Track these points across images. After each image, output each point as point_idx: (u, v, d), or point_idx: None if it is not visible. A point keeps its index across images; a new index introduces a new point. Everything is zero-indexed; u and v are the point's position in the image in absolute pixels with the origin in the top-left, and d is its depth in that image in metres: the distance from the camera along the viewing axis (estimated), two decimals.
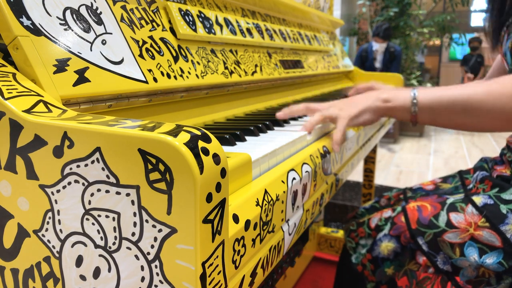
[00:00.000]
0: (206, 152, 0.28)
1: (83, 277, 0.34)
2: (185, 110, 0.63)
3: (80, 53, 0.44)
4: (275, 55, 0.94)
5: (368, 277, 0.78)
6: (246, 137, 0.57)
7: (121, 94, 0.48)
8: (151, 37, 0.56)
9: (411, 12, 5.06)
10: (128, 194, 0.30)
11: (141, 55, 0.53)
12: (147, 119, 0.37)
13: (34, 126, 0.33)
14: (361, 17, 5.68)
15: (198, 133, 0.30)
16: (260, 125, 0.61)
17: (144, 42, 0.54)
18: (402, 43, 4.86)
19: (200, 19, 0.69)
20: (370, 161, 1.58)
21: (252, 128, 0.59)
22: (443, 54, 9.10)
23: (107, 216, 0.31)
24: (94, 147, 0.31)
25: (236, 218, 0.35)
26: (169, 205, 0.28)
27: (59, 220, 0.34)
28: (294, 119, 0.77)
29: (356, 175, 2.79)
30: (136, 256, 0.31)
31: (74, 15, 0.46)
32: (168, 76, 0.56)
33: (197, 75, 0.62)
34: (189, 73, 0.61)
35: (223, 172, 0.30)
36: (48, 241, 0.35)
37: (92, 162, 0.31)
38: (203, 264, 0.29)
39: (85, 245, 0.33)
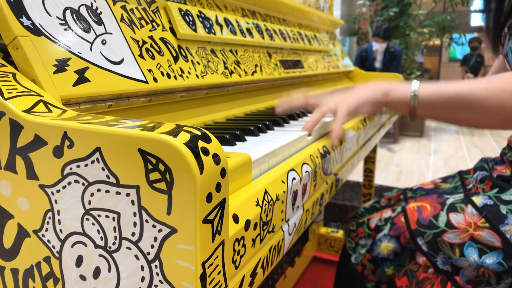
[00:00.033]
0: (206, 152, 0.28)
1: (83, 277, 0.34)
2: (185, 110, 0.63)
3: (80, 53, 0.44)
4: (275, 55, 0.94)
5: (368, 276, 0.78)
6: (246, 137, 0.57)
7: (121, 94, 0.48)
8: (151, 37, 0.56)
9: (411, 12, 5.06)
10: (128, 194, 0.30)
11: (141, 55, 0.53)
12: (147, 119, 0.37)
13: (34, 126, 0.33)
14: (361, 17, 5.69)
15: (198, 133, 0.30)
16: (260, 125, 0.61)
17: (144, 42, 0.54)
18: (402, 43, 4.86)
19: (200, 19, 0.69)
20: (370, 161, 1.58)
21: (252, 128, 0.59)
22: (443, 54, 9.10)
23: (107, 216, 0.31)
24: (94, 147, 0.31)
25: (236, 218, 0.35)
26: (169, 205, 0.28)
27: (59, 220, 0.34)
28: (294, 119, 0.77)
29: (356, 175, 2.79)
30: (136, 256, 0.31)
31: (74, 15, 0.46)
32: (168, 76, 0.56)
33: (197, 75, 0.62)
34: (189, 73, 0.61)
35: (223, 172, 0.30)
36: (48, 241, 0.35)
37: (92, 162, 0.31)
38: (203, 264, 0.29)
39: (85, 245, 0.33)
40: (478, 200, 0.67)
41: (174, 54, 0.60)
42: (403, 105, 0.64)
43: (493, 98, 0.57)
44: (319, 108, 0.65)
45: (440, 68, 8.97)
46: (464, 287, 0.65)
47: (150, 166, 0.28)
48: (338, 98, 0.65)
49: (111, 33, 0.49)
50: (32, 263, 0.37)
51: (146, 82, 0.51)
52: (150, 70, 0.53)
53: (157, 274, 0.30)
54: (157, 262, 0.30)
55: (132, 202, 0.30)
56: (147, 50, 0.54)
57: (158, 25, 0.59)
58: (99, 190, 0.31)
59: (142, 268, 0.30)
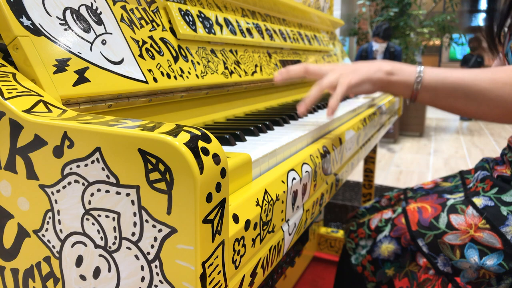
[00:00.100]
0: (206, 152, 0.28)
1: (83, 277, 0.34)
2: (185, 110, 0.63)
3: (80, 53, 0.44)
4: (275, 55, 0.94)
5: (368, 277, 0.78)
6: (246, 137, 0.57)
7: (121, 94, 0.48)
8: (151, 37, 0.56)
9: (411, 12, 5.06)
10: (128, 194, 0.30)
11: (141, 55, 0.53)
12: (147, 119, 0.37)
13: (34, 126, 0.33)
14: (361, 17, 5.69)
15: (198, 133, 0.30)
16: (260, 125, 0.61)
17: (144, 42, 0.54)
18: (402, 43, 4.86)
19: (200, 19, 0.69)
20: (370, 161, 1.58)
21: (252, 128, 0.59)
22: (443, 54, 9.10)
23: (107, 216, 0.31)
24: (94, 147, 0.31)
25: (236, 218, 0.35)
26: (169, 205, 0.28)
27: (59, 220, 0.34)
28: (294, 119, 0.77)
29: (356, 175, 2.79)
30: (136, 256, 0.31)
31: (74, 15, 0.46)
32: (168, 76, 0.56)
33: (197, 75, 0.62)
34: (189, 73, 0.61)
35: (223, 172, 0.30)
36: (48, 241, 0.35)
37: (92, 162, 0.31)
38: (203, 264, 0.29)
39: (85, 245, 0.33)
40: (479, 201, 0.67)
41: (174, 54, 0.60)
42: (405, 88, 0.63)
43: (497, 90, 0.57)
44: (319, 82, 0.63)
45: None
46: None
47: (150, 166, 0.28)
48: (340, 72, 0.63)
49: (111, 33, 0.49)
50: (32, 263, 0.37)
51: (146, 82, 0.51)
52: (150, 70, 0.53)
53: (157, 274, 0.30)
54: (157, 262, 0.30)
55: (132, 202, 0.30)
56: (147, 50, 0.54)
57: (158, 25, 0.59)
58: (99, 190, 0.31)
59: (142, 268, 0.30)
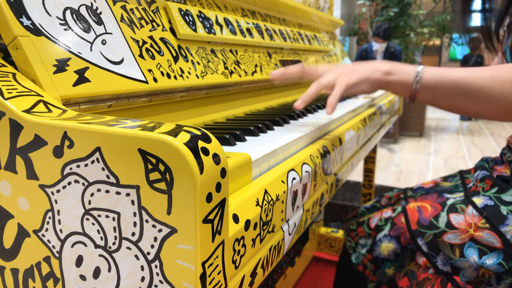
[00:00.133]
0: (206, 152, 0.28)
1: (83, 277, 0.34)
2: (185, 110, 0.63)
3: (80, 53, 0.44)
4: (275, 55, 0.94)
5: (369, 277, 0.78)
6: (246, 137, 0.57)
7: (121, 94, 0.48)
8: (151, 37, 0.56)
9: (411, 12, 5.06)
10: (128, 194, 0.30)
11: (141, 55, 0.53)
12: (147, 119, 0.37)
13: (34, 126, 0.33)
14: (361, 17, 5.69)
15: (198, 133, 0.30)
16: (260, 125, 0.61)
17: (144, 42, 0.54)
18: (402, 43, 4.87)
19: (200, 19, 0.69)
20: (370, 161, 1.58)
21: (252, 128, 0.59)
22: (443, 54, 9.11)
23: (107, 216, 0.31)
24: (94, 147, 0.31)
25: (236, 218, 0.35)
26: (169, 205, 0.28)
27: (59, 220, 0.34)
28: (294, 119, 0.77)
29: (356, 175, 2.79)
30: (136, 256, 0.31)
31: (74, 15, 0.46)
32: (168, 76, 0.56)
33: (197, 75, 0.62)
34: (189, 73, 0.61)
35: (223, 172, 0.30)
36: (48, 241, 0.35)
37: (92, 162, 0.31)
38: (203, 264, 0.29)
39: (85, 245, 0.33)
40: (479, 200, 0.67)
41: (174, 54, 0.60)
42: (404, 88, 0.62)
43: (497, 88, 0.56)
44: (317, 81, 0.63)
45: None
46: (464, 287, 0.65)
47: (150, 166, 0.28)
48: (338, 72, 0.63)
49: (111, 33, 0.49)
50: (32, 263, 0.37)
51: (146, 82, 0.51)
52: (150, 70, 0.53)
53: (157, 274, 0.30)
54: (157, 262, 0.30)
55: (132, 202, 0.30)
56: (147, 50, 0.54)
57: (158, 25, 0.59)
58: (99, 190, 0.31)
59: (142, 268, 0.30)
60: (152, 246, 0.30)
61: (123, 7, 0.54)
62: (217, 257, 0.30)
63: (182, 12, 0.65)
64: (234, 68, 0.74)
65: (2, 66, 0.39)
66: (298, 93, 1.06)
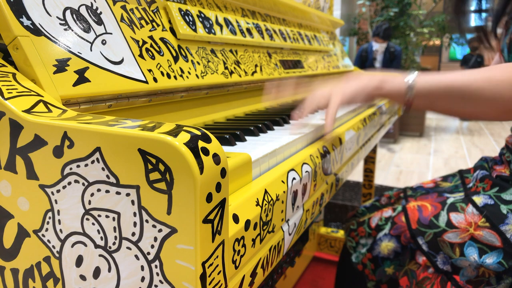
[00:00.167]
0: (206, 152, 0.28)
1: (83, 277, 0.34)
2: (185, 110, 0.63)
3: (80, 53, 0.44)
4: (275, 55, 0.94)
5: (368, 276, 0.79)
6: (246, 137, 0.57)
7: (121, 94, 0.48)
8: (151, 37, 0.56)
9: (411, 12, 5.06)
10: (128, 194, 0.30)
11: (141, 55, 0.53)
12: (147, 119, 0.37)
13: (34, 126, 0.33)
14: (361, 17, 5.69)
15: (198, 133, 0.30)
16: (260, 125, 0.61)
17: (144, 42, 0.54)
18: (402, 43, 4.86)
19: (200, 19, 0.69)
20: (370, 161, 1.58)
21: (252, 128, 0.59)
22: (443, 54, 9.11)
23: (107, 216, 0.31)
24: (94, 147, 0.31)
25: (236, 218, 0.35)
26: (169, 205, 0.28)
27: (59, 220, 0.34)
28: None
29: (356, 175, 2.79)
30: (136, 256, 0.31)
31: (74, 15, 0.46)
32: (168, 76, 0.56)
33: (197, 75, 0.62)
34: (189, 73, 0.61)
35: (223, 172, 0.30)
36: (48, 241, 0.35)
37: (92, 162, 0.31)
38: (203, 264, 0.29)
39: (85, 245, 0.33)
40: (479, 199, 0.67)
41: (174, 54, 0.60)
42: (398, 97, 0.63)
43: (493, 87, 0.56)
44: (311, 99, 0.63)
45: (440, 68, 8.97)
46: (464, 287, 0.65)
47: (150, 166, 0.28)
48: (332, 87, 0.63)
49: (111, 33, 0.49)
50: (32, 263, 0.37)
51: (146, 82, 0.51)
52: (150, 70, 0.53)
53: (157, 274, 0.30)
54: (157, 262, 0.30)
55: (132, 202, 0.30)
56: (147, 50, 0.54)
57: (158, 25, 0.59)
58: (99, 190, 0.31)
59: (142, 268, 0.30)
60: (152, 246, 0.30)
61: (123, 7, 0.54)
62: (217, 257, 0.30)
63: (182, 12, 0.65)
64: (234, 68, 0.74)
65: (2, 66, 0.39)
66: (298, 93, 1.06)
